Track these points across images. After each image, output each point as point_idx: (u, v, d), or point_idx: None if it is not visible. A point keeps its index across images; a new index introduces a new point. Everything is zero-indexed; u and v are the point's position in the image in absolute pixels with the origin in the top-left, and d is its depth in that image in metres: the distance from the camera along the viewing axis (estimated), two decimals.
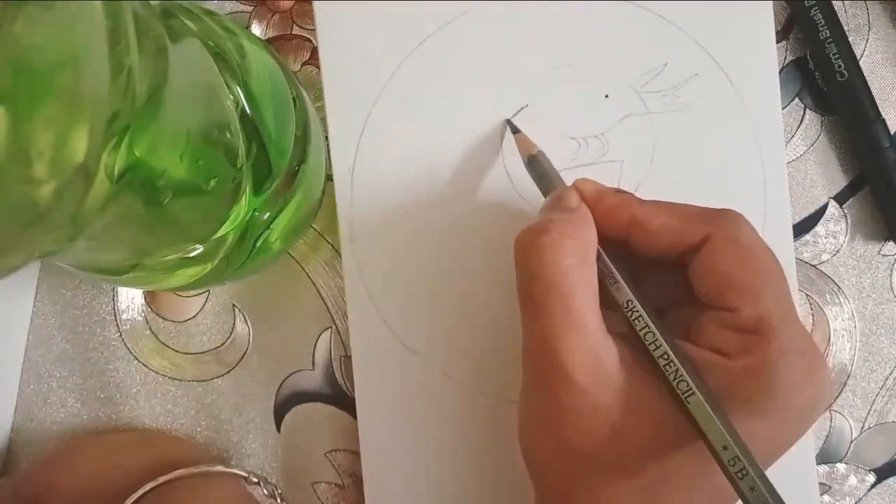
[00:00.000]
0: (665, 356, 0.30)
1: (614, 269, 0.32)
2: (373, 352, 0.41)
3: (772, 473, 0.29)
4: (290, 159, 0.36)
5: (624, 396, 0.31)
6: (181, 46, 0.28)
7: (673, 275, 0.34)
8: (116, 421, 0.43)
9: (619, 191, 0.35)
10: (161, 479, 0.37)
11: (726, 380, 0.30)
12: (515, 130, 0.40)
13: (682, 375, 0.30)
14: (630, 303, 0.32)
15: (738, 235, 0.32)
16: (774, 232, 0.41)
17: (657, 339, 0.31)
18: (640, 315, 0.31)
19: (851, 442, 0.43)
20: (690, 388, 0.29)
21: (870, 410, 0.43)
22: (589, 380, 0.30)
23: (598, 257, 0.32)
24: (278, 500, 0.41)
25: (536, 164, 0.38)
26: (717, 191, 0.41)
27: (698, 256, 0.32)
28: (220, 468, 0.40)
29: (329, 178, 0.41)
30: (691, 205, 0.33)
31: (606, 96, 0.41)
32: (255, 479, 0.41)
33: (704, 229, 0.32)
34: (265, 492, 0.41)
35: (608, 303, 0.32)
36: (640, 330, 0.31)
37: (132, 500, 0.36)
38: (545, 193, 0.36)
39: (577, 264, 0.31)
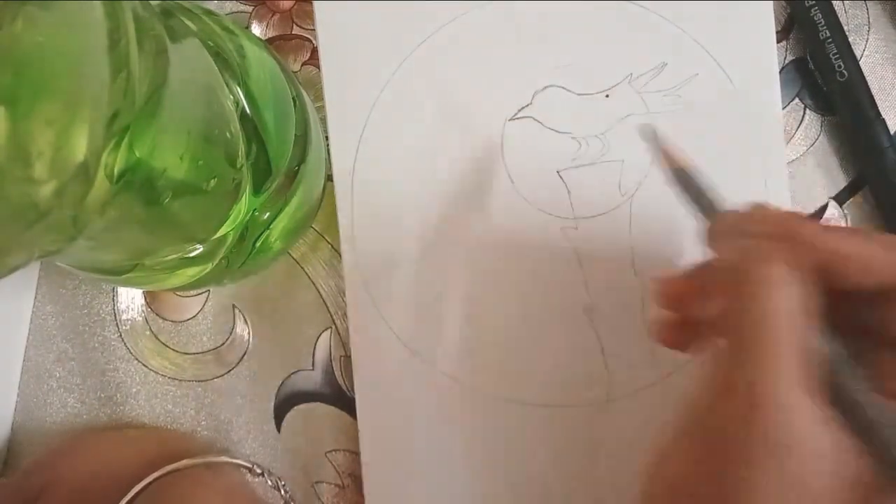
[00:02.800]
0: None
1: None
2: (372, 352, 0.41)
3: None
4: (290, 159, 0.36)
5: (833, 466, 0.26)
6: (181, 46, 0.28)
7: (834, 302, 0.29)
8: (116, 421, 0.43)
9: (810, 219, 0.31)
10: (166, 469, 0.38)
11: None
12: (659, 140, 0.35)
13: None
14: (839, 361, 0.28)
15: None
16: None
17: (881, 406, 0.27)
18: (855, 377, 0.28)
19: None
20: None
21: None
22: (800, 449, 0.26)
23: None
24: (282, 492, 0.41)
25: (686, 178, 0.33)
26: (717, 190, 0.41)
27: None
28: (224, 458, 0.40)
29: (329, 178, 0.41)
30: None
31: (607, 96, 0.41)
32: (259, 470, 0.41)
33: None
34: (269, 483, 0.41)
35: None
36: (854, 391, 0.27)
37: (137, 490, 0.37)
38: (700, 209, 0.33)
39: (803, 310, 0.27)
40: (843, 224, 0.43)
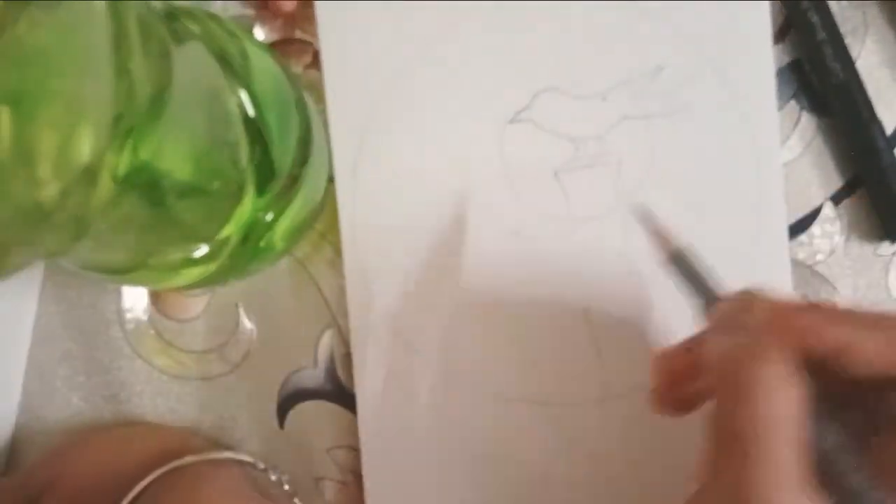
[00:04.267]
0: None
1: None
2: (373, 351, 0.41)
3: None
4: (293, 161, 0.36)
5: None
6: (185, 49, 0.29)
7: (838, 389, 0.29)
8: (120, 419, 0.43)
9: (812, 304, 0.31)
10: (170, 466, 0.37)
11: None
12: (652, 220, 0.34)
13: None
14: (837, 455, 0.27)
15: None
16: (770, 232, 0.41)
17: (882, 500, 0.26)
18: (854, 470, 0.27)
19: None
20: None
21: None
22: None
23: None
24: (285, 487, 0.41)
25: (682, 261, 0.33)
26: (713, 192, 0.41)
27: None
28: (228, 454, 0.40)
29: (331, 179, 0.41)
30: None
31: (604, 99, 0.41)
32: (263, 466, 0.41)
33: None
34: (272, 478, 0.41)
35: None
36: (855, 483, 0.27)
37: (140, 487, 0.37)
38: (697, 294, 0.32)
39: (800, 410, 0.26)
40: (838, 225, 0.43)
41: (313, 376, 0.43)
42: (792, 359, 0.27)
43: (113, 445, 0.40)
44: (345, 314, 0.42)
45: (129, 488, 0.36)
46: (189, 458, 0.38)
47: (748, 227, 0.41)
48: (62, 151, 0.19)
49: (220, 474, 0.39)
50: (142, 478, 0.37)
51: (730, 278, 0.32)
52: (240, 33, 0.35)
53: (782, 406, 0.26)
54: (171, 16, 0.31)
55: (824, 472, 0.27)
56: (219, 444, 0.42)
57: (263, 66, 0.36)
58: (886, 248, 0.43)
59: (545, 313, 0.41)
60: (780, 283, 0.41)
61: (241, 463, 0.41)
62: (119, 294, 0.43)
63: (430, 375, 0.41)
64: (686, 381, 0.32)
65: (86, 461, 0.39)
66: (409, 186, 0.41)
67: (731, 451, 0.27)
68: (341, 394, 0.42)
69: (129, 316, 0.43)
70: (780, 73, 0.43)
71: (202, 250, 0.34)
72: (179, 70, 0.26)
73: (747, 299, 0.30)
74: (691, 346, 0.33)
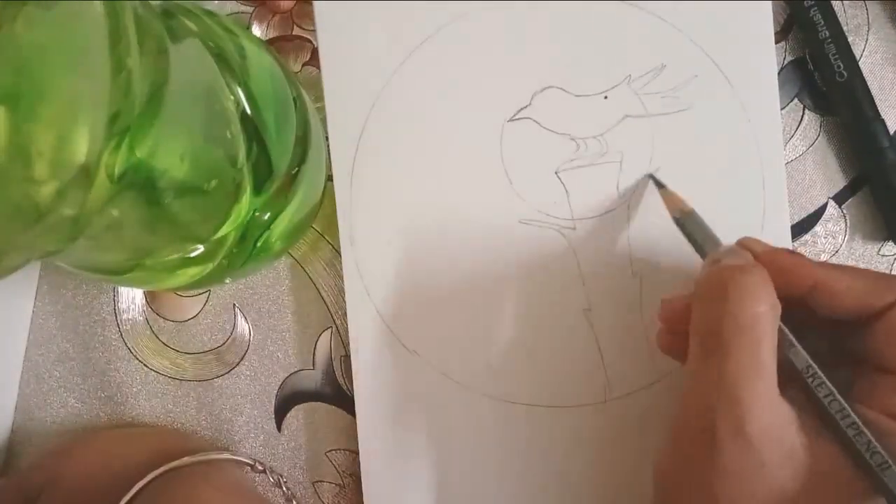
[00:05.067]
0: (854, 426, 0.29)
1: (789, 333, 0.31)
2: (372, 352, 0.41)
3: None
4: (291, 160, 0.36)
5: (794, 460, 0.29)
6: (182, 47, 0.28)
7: (824, 333, 0.33)
8: (117, 421, 0.43)
9: (792, 252, 0.34)
10: (167, 466, 0.37)
11: None
12: (661, 185, 0.39)
13: (875, 447, 0.29)
14: (810, 368, 0.31)
15: None
16: (773, 232, 0.41)
17: (844, 409, 0.30)
18: (823, 382, 0.30)
19: None
20: (886, 461, 0.29)
21: None
22: (761, 437, 0.29)
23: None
24: (283, 489, 0.41)
25: (689, 223, 0.37)
26: (716, 191, 0.41)
27: (884, 320, 0.31)
28: (225, 455, 0.40)
29: (329, 178, 0.41)
30: (874, 270, 0.33)
31: (605, 97, 0.41)
32: (261, 467, 0.41)
33: (893, 294, 0.31)
34: (270, 479, 0.41)
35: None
36: (825, 397, 0.30)
37: (138, 488, 0.36)
38: (700, 252, 0.36)
39: (770, 313, 0.30)
40: (841, 224, 0.43)
41: (312, 378, 0.42)
42: (770, 280, 0.31)
43: (110, 447, 0.40)
44: (344, 315, 0.42)
45: (127, 489, 0.36)
46: (187, 459, 0.38)
47: (751, 227, 0.41)
48: (58, 150, 0.19)
49: (218, 475, 0.39)
50: (139, 479, 0.37)
51: None
52: (237, 31, 0.35)
53: (760, 307, 0.30)
54: (168, 13, 0.31)
55: (804, 392, 0.31)
56: (216, 445, 0.42)
57: (261, 64, 0.35)
58: (890, 248, 0.43)
59: (545, 314, 0.41)
60: None
61: (238, 463, 0.41)
62: (115, 295, 0.43)
63: (428, 377, 0.41)
64: (683, 321, 0.34)
65: (83, 462, 0.39)
66: (408, 185, 0.41)
67: (711, 349, 0.30)
68: (340, 396, 0.42)
69: (125, 317, 0.43)
70: (783, 71, 0.43)
71: (199, 250, 0.34)
72: (176, 68, 0.25)
73: (739, 243, 0.34)
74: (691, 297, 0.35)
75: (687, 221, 0.37)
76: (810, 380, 0.31)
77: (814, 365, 0.31)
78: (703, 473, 0.30)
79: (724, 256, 0.33)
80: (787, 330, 0.31)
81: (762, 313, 0.30)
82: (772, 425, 0.29)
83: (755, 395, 0.29)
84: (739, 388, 0.29)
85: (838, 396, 0.30)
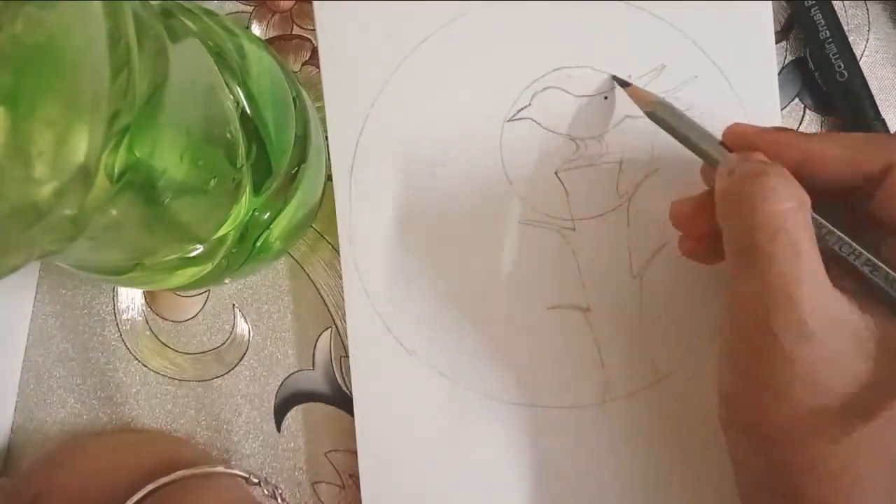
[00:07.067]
0: None
1: (821, 220, 0.31)
2: (371, 352, 0.41)
3: None
4: (291, 159, 0.36)
5: (858, 342, 0.29)
6: (181, 46, 0.28)
7: (833, 207, 0.33)
8: (116, 421, 0.43)
9: (778, 129, 0.34)
10: (162, 481, 0.37)
11: None
12: (625, 84, 0.40)
13: None
14: (850, 246, 0.31)
15: None
16: None
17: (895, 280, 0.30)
18: (869, 259, 0.31)
19: None
20: None
21: None
22: (825, 330, 0.29)
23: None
24: (279, 501, 0.41)
25: (662, 111, 0.37)
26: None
27: (886, 184, 0.31)
28: (220, 469, 0.40)
29: (329, 178, 0.41)
30: (861, 134, 0.33)
31: (605, 97, 0.41)
32: (256, 480, 0.41)
33: (885, 157, 0.31)
34: (266, 492, 0.41)
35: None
36: (871, 273, 0.31)
37: (133, 502, 0.36)
38: (682, 140, 0.36)
39: (799, 209, 0.29)
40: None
41: (311, 378, 0.42)
42: (789, 175, 0.30)
43: (104, 457, 0.40)
44: (343, 315, 0.42)
45: (123, 501, 0.36)
46: (181, 473, 0.38)
47: None
48: (58, 150, 0.19)
49: (213, 488, 0.39)
50: (133, 492, 0.37)
51: None
52: (237, 30, 0.35)
53: (788, 205, 0.29)
54: (168, 13, 0.31)
55: (843, 267, 0.31)
56: (212, 458, 0.42)
57: (261, 64, 0.35)
58: None
59: (545, 314, 0.41)
60: None
61: (234, 476, 0.40)
62: (115, 295, 0.43)
63: (427, 377, 0.41)
64: (698, 224, 0.35)
65: (76, 474, 0.39)
66: (407, 185, 0.41)
67: (751, 262, 0.30)
68: (339, 396, 0.42)
69: (124, 317, 0.43)
70: (784, 71, 0.43)
71: (198, 250, 0.34)
72: (176, 68, 0.25)
73: (728, 133, 0.35)
74: (703, 198, 0.36)
75: (659, 111, 0.37)
76: (853, 258, 0.31)
77: (854, 244, 0.31)
78: (776, 384, 0.29)
79: (735, 165, 0.32)
80: (819, 218, 0.31)
81: (791, 210, 0.29)
82: (833, 318, 0.29)
83: (808, 294, 0.28)
84: (791, 292, 0.28)
85: (886, 268, 0.30)
